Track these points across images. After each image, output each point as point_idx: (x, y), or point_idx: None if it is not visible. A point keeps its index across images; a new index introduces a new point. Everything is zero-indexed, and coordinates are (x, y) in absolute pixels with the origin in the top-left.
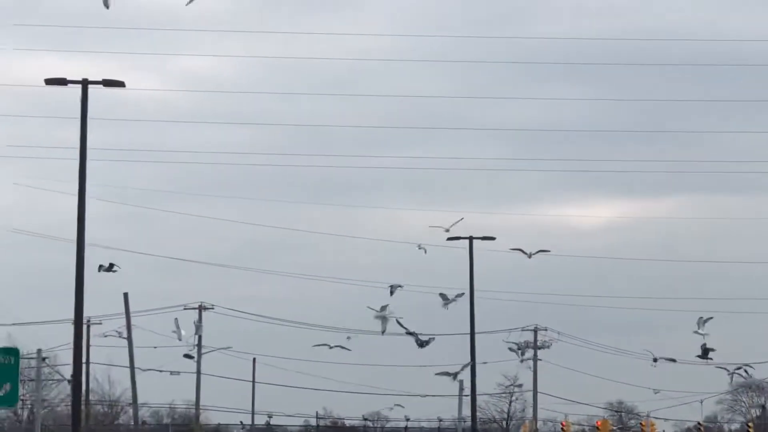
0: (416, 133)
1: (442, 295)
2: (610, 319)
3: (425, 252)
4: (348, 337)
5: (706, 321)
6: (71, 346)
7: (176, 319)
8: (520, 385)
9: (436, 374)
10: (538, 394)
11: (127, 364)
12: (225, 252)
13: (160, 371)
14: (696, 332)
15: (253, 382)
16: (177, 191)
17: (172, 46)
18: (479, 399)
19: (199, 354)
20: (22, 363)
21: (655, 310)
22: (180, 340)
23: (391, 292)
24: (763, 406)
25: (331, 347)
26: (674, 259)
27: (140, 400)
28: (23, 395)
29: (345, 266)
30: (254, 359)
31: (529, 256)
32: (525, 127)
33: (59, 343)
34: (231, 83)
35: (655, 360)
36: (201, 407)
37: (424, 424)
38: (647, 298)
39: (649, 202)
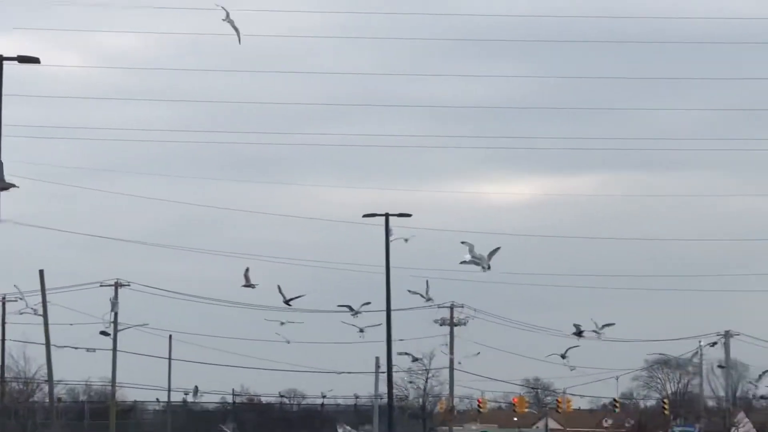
0: (339, 110)
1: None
2: (527, 296)
3: (405, 241)
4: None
5: (604, 326)
6: None
7: (15, 285)
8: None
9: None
10: (455, 371)
11: (43, 341)
12: (145, 230)
13: (76, 348)
14: (594, 331)
15: (170, 359)
16: (97, 169)
17: (93, 23)
18: (395, 376)
19: (115, 331)
20: None
21: (572, 287)
22: (31, 307)
23: (249, 284)
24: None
25: (282, 323)
26: (593, 237)
27: (56, 377)
28: None
29: (265, 243)
30: (170, 336)
31: (484, 269)
32: (449, 104)
33: None
34: (153, 60)
35: (572, 369)
36: (117, 384)
37: (341, 401)
38: (566, 275)
39: (570, 179)
